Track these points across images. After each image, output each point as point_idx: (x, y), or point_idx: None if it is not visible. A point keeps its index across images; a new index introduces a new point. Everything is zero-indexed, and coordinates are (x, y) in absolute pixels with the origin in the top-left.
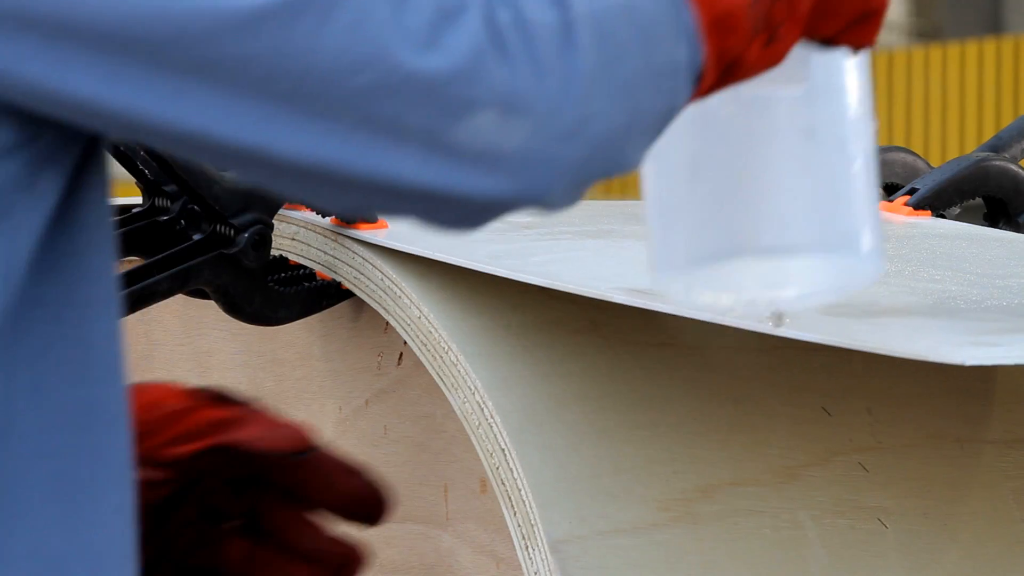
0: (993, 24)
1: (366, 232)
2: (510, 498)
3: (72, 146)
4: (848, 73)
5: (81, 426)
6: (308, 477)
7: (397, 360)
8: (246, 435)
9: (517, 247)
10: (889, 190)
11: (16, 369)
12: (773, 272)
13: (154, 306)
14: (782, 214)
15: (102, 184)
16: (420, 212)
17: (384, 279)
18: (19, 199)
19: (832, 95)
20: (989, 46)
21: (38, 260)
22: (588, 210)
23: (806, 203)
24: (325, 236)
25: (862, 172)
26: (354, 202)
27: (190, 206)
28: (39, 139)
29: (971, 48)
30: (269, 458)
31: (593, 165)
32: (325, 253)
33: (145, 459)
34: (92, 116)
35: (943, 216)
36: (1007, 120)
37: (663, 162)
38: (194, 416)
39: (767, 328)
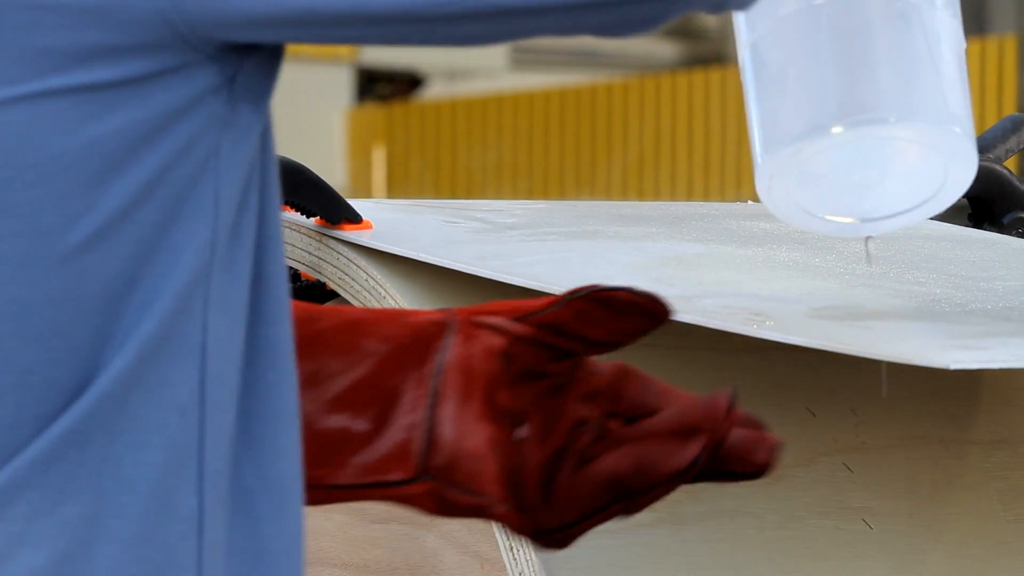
0: (976, 25)
1: (351, 233)
2: None
3: (263, 85)
4: None
5: (263, 364)
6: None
7: None
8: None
9: (503, 248)
10: None
11: (223, 299)
12: (870, 162)
13: None
14: (879, 86)
15: (271, 128)
16: (600, 23)
17: (369, 280)
18: (225, 135)
19: None
20: (973, 47)
21: (241, 195)
22: (573, 211)
23: (901, 77)
24: (310, 237)
25: (952, 57)
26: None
27: None
28: (236, 79)
29: None
30: (641, 306)
31: None
32: (310, 254)
33: (508, 316)
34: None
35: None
36: (991, 121)
37: (769, 52)
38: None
39: (753, 331)
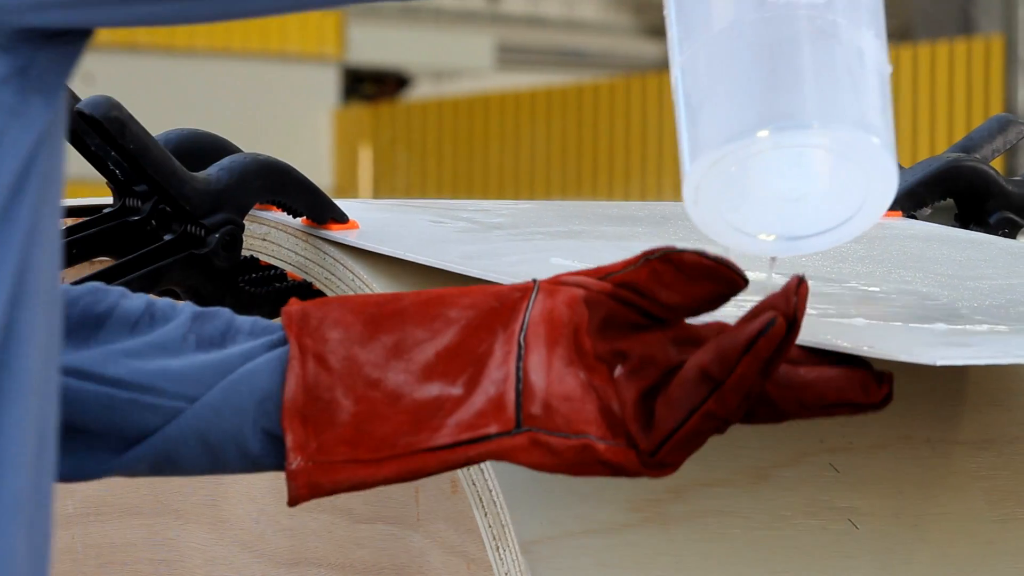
0: (963, 24)
1: (337, 232)
2: (481, 499)
3: (56, 79)
4: None
5: (11, 349)
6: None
7: None
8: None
9: (489, 248)
10: None
11: None
12: (790, 173)
13: None
14: (798, 96)
15: (63, 121)
16: None
17: (355, 280)
18: (12, 124)
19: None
20: (960, 46)
21: (16, 182)
22: (560, 211)
23: (820, 88)
24: (296, 237)
25: (874, 74)
26: None
27: (161, 206)
28: (30, 70)
29: (942, 48)
30: (709, 270)
31: None
32: (296, 254)
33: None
34: None
35: (914, 217)
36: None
37: (697, 71)
38: None
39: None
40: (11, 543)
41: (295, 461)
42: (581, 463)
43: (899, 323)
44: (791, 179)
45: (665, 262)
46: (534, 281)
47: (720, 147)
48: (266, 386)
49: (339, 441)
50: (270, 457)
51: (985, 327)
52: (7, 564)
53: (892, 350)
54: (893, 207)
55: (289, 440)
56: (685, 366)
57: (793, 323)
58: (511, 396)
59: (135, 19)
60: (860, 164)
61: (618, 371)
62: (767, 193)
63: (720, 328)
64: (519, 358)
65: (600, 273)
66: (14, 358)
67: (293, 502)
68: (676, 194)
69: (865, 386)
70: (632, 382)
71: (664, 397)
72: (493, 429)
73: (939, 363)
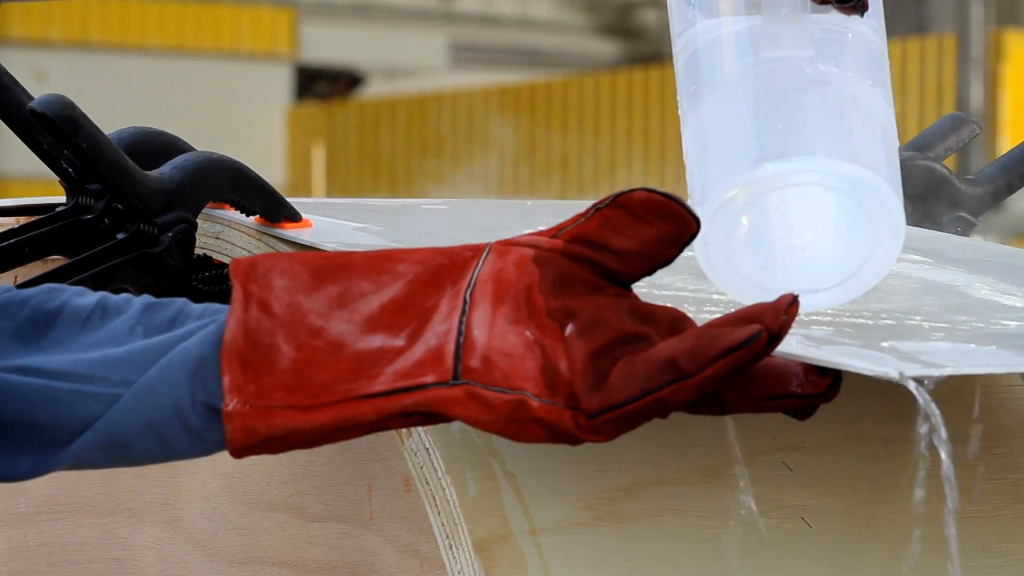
0: (917, 24)
1: (290, 231)
2: (434, 498)
3: None
4: (846, 35)
5: None
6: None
7: None
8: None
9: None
10: None
11: None
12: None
13: None
14: (800, 136)
15: None
16: None
17: None
18: None
19: (834, 54)
20: (913, 45)
21: None
22: (518, 210)
23: (820, 127)
24: (249, 235)
25: (868, 115)
26: None
27: (114, 205)
28: None
29: (895, 47)
30: (660, 206)
31: None
32: (249, 252)
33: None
34: None
35: None
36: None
37: (709, 108)
38: None
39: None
40: None
41: (231, 403)
42: (517, 420)
43: (856, 333)
44: (798, 228)
45: (616, 207)
46: (487, 244)
47: (719, 193)
48: (199, 352)
49: (277, 386)
50: (214, 431)
51: (939, 337)
52: None
53: (854, 363)
54: None
55: (227, 382)
56: (657, 348)
57: (775, 339)
58: (451, 348)
59: None
60: (863, 205)
61: (569, 329)
62: (777, 245)
63: (674, 314)
64: (463, 313)
65: (553, 231)
66: None
67: (232, 449)
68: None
69: (808, 377)
70: (582, 340)
71: (624, 367)
72: (430, 379)
73: (895, 378)
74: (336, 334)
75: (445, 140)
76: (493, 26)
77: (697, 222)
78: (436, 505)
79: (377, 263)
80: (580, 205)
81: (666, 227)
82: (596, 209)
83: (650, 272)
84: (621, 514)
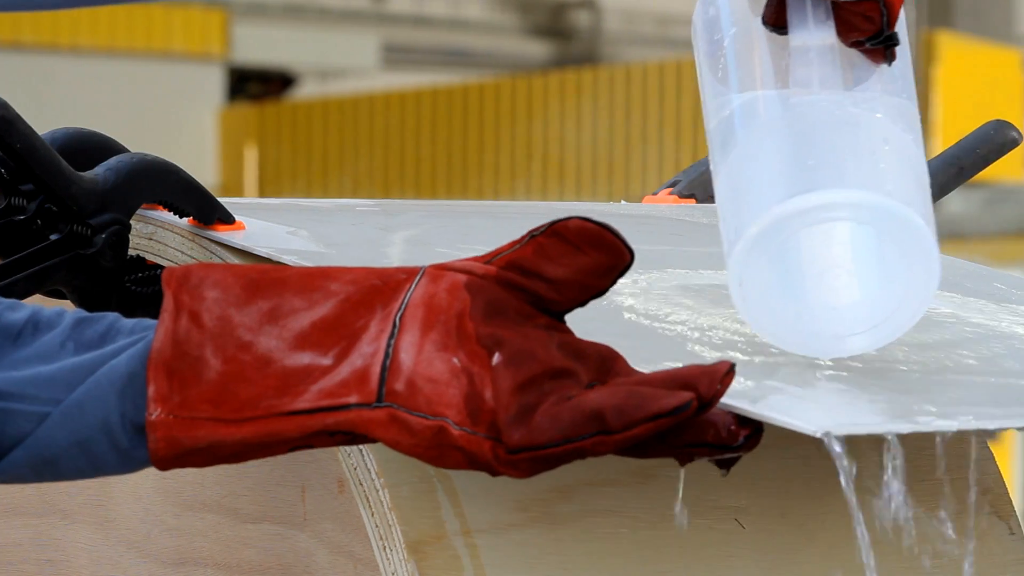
0: None
1: (223, 233)
2: (368, 499)
3: None
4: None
5: None
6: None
7: None
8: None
9: (376, 253)
10: None
11: None
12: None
13: None
14: (834, 169)
15: None
16: None
17: None
18: None
19: (866, 99)
20: None
21: None
22: (450, 210)
23: (851, 164)
24: (182, 236)
25: (900, 155)
26: None
27: (47, 206)
28: None
29: None
30: (594, 236)
31: None
32: (183, 253)
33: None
34: None
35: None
36: None
37: (739, 154)
38: None
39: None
40: None
41: (155, 412)
42: (438, 446)
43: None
44: (832, 268)
45: (550, 235)
46: (421, 267)
47: (750, 231)
48: (128, 370)
49: (203, 399)
50: (140, 448)
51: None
52: None
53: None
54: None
55: (151, 391)
56: (586, 396)
57: (706, 407)
58: (376, 370)
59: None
60: (897, 241)
61: (496, 358)
62: (811, 286)
63: (603, 352)
64: (392, 336)
65: (487, 257)
66: None
67: (155, 460)
68: (559, 194)
69: (730, 428)
70: (509, 372)
71: (551, 409)
72: (353, 399)
73: (820, 434)
74: (264, 349)
75: (377, 141)
76: (425, 27)
77: (631, 253)
78: (370, 506)
79: (310, 281)
80: (505, 206)
81: (600, 257)
82: (531, 236)
83: (583, 303)
84: (555, 515)
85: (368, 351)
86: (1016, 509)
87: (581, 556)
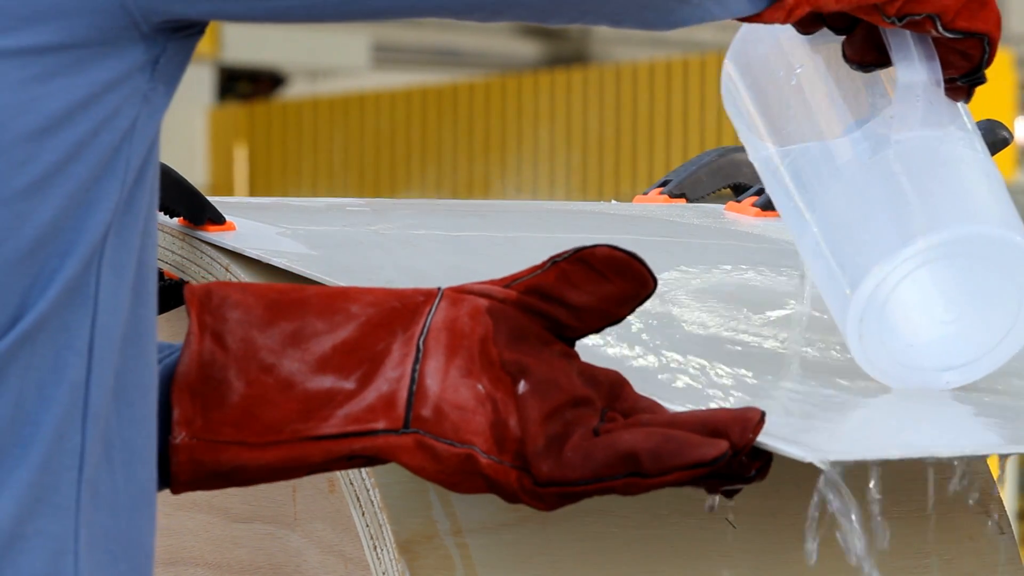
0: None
1: (213, 234)
2: (358, 498)
3: (178, 69)
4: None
5: (136, 344)
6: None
7: None
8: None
9: (365, 260)
10: (737, 190)
11: (114, 259)
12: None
13: None
14: (942, 210)
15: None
16: None
17: (232, 279)
18: (143, 111)
19: (962, 136)
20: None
21: (140, 168)
22: (446, 210)
23: (958, 202)
24: (173, 236)
25: (996, 186)
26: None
27: None
28: (160, 59)
29: None
30: (621, 264)
31: None
32: (173, 253)
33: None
34: None
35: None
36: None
37: (834, 204)
38: None
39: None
40: (146, 527)
41: (179, 435)
42: (463, 472)
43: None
44: (946, 305)
45: (575, 262)
46: (439, 288)
47: (870, 278)
48: None
49: (226, 422)
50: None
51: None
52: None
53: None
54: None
55: (176, 414)
56: (620, 436)
57: (737, 455)
58: (403, 396)
59: (269, 13)
60: (1008, 272)
61: (522, 387)
62: (924, 322)
63: (614, 378)
64: (416, 361)
65: (507, 281)
66: (133, 344)
67: (176, 484)
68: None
69: (739, 458)
70: (536, 401)
71: (581, 446)
72: (381, 425)
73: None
74: (288, 372)
75: (367, 141)
76: (415, 26)
77: (655, 283)
78: (360, 506)
79: (330, 302)
80: (496, 205)
81: (625, 285)
82: (553, 262)
83: (598, 330)
84: (546, 515)
85: (393, 376)
86: (1006, 508)
87: (572, 556)
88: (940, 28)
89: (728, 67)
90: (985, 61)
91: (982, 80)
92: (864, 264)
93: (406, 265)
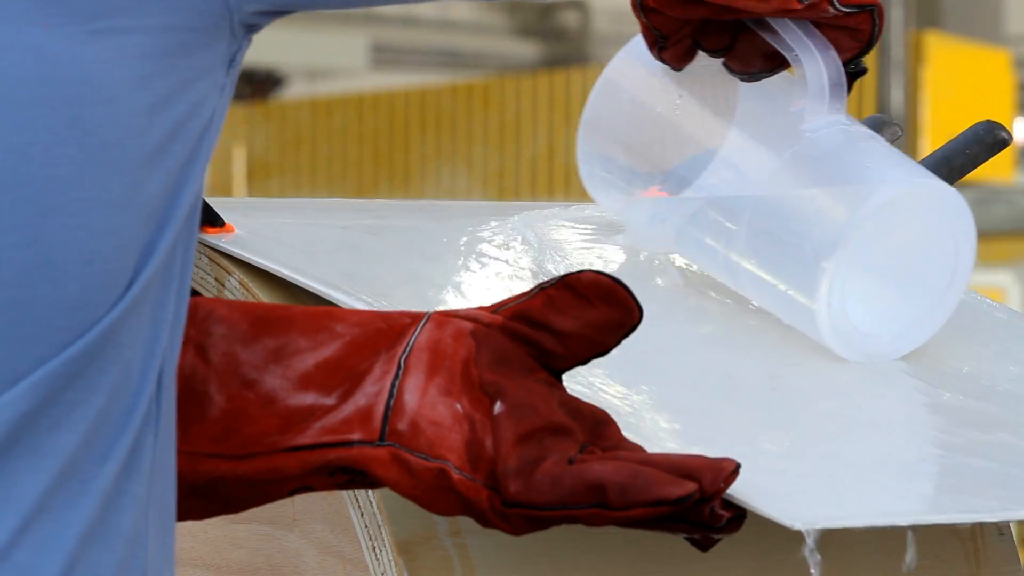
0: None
1: (211, 236)
2: (357, 499)
3: (237, 72)
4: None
5: (178, 333)
6: None
7: None
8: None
9: (362, 268)
10: None
11: (186, 241)
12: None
13: None
14: (882, 174)
15: None
16: None
17: (230, 279)
18: (219, 104)
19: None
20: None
21: (206, 159)
22: (442, 212)
23: (892, 166)
24: None
25: (893, 153)
26: None
27: None
28: (237, 55)
29: None
30: (606, 290)
31: None
32: None
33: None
34: None
35: None
36: None
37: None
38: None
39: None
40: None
41: None
42: (437, 488)
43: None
44: (894, 270)
45: (561, 287)
46: (426, 312)
47: (831, 254)
48: None
49: (205, 436)
50: None
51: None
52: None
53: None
54: None
55: None
56: (591, 466)
57: (706, 501)
58: (380, 409)
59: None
60: (947, 219)
61: (498, 407)
62: (878, 292)
63: (598, 414)
64: (396, 377)
65: (494, 307)
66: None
67: None
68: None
69: (710, 508)
70: (511, 422)
71: (551, 471)
72: (356, 436)
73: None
74: (269, 388)
75: (366, 141)
76: (414, 27)
77: (640, 312)
78: (359, 506)
79: (316, 321)
80: (492, 206)
81: (610, 312)
82: (540, 288)
83: (585, 361)
84: None
85: (372, 391)
86: None
87: (571, 556)
88: (836, 5)
89: (585, 131)
90: (876, 35)
91: (864, 70)
92: (817, 248)
93: (405, 267)
